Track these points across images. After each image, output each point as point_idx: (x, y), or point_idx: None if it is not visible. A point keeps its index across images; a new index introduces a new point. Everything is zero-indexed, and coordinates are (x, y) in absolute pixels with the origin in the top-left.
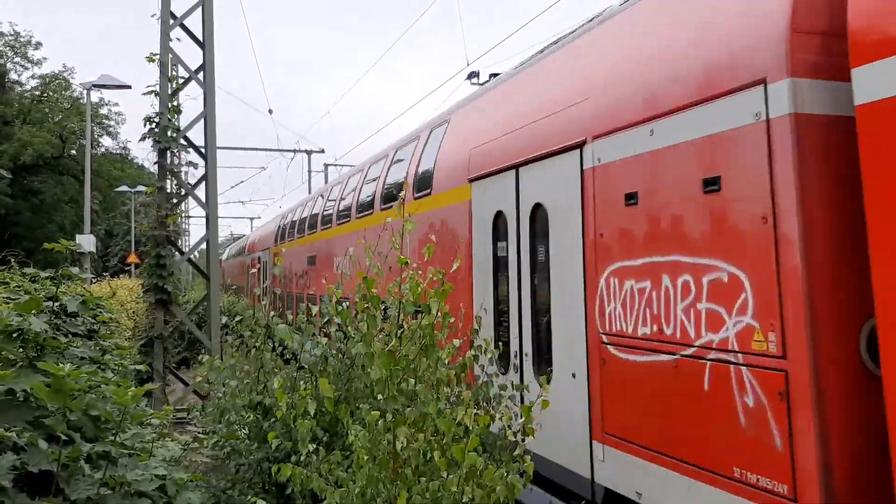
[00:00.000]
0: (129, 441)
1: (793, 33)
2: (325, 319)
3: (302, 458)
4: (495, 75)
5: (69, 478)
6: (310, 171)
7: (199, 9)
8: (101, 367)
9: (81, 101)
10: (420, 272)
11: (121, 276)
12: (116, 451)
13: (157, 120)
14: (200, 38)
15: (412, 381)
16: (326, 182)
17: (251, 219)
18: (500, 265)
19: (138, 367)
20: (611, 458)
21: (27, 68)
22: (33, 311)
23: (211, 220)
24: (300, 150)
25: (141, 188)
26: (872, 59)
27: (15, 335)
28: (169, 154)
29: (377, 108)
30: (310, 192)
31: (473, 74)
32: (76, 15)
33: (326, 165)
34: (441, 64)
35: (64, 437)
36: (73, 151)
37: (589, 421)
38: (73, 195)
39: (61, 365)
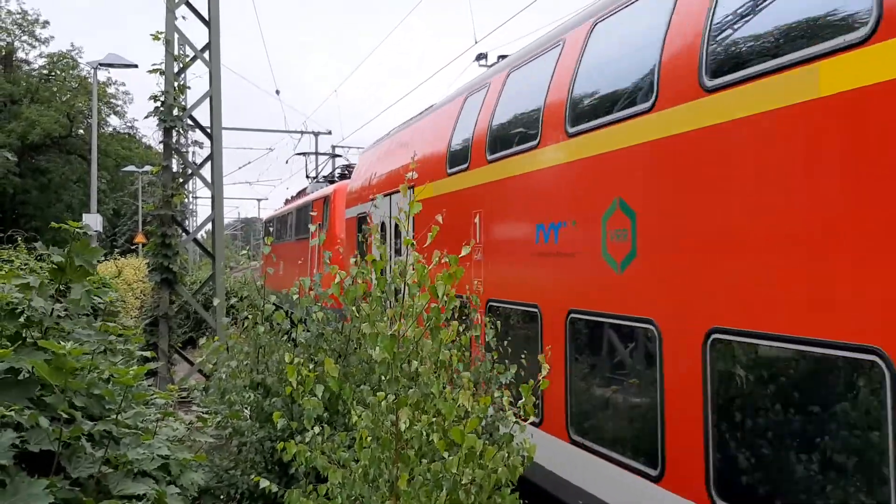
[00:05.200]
0: (130, 420)
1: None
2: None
3: (307, 439)
4: (503, 57)
5: (71, 456)
6: (317, 153)
7: None
8: (104, 351)
9: (89, 80)
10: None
11: (128, 255)
12: (118, 430)
13: (162, 98)
14: (206, 17)
15: (415, 362)
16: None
17: (258, 199)
18: None
19: (144, 353)
20: None
21: (34, 47)
22: (33, 289)
23: (216, 200)
24: (307, 132)
25: (148, 168)
26: None
27: (17, 312)
28: (175, 133)
29: (384, 88)
30: (317, 177)
31: (482, 56)
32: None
33: (334, 147)
34: (449, 36)
35: (66, 416)
36: (81, 131)
37: None
38: (80, 174)
39: (62, 343)
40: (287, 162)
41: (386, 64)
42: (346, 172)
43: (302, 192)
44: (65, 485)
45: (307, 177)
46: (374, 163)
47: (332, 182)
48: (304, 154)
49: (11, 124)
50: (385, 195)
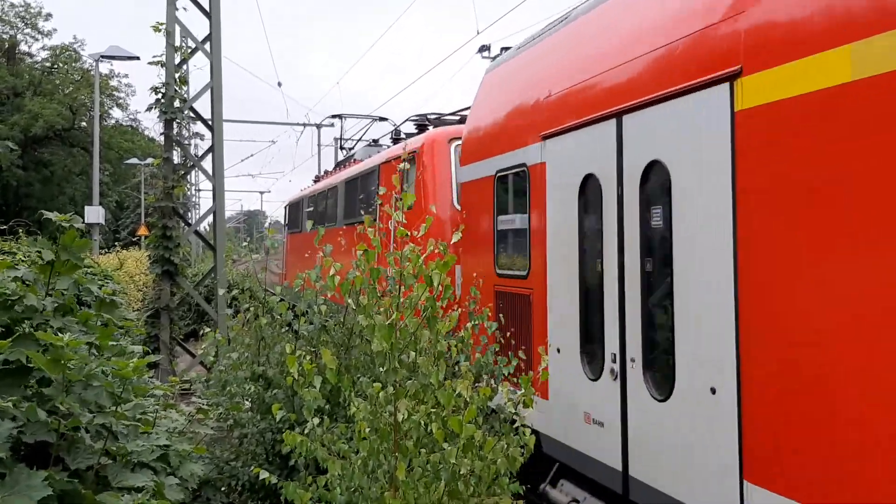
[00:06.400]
0: (129, 412)
1: None
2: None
3: (306, 430)
4: (507, 48)
5: (70, 447)
6: (319, 145)
7: None
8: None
9: (92, 72)
10: None
11: (130, 248)
12: (117, 422)
13: (163, 90)
14: (207, 8)
15: (413, 353)
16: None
17: (261, 192)
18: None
19: (135, 347)
20: None
21: (37, 39)
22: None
23: (217, 192)
24: (310, 124)
25: (150, 160)
26: None
27: (9, 305)
28: (176, 125)
29: (384, 80)
30: (319, 169)
31: (485, 48)
32: None
33: (336, 139)
34: (450, 29)
35: (63, 408)
36: (84, 123)
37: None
38: (83, 167)
39: (60, 335)
40: (299, 137)
41: (385, 57)
42: (428, 125)
43: (347, 162)
44: (63, 476)
45: (341, 148)
46: (541, 72)
47: (397, 141)
48: (339, 116)
49: (14, 117)
50: (596, 120)
